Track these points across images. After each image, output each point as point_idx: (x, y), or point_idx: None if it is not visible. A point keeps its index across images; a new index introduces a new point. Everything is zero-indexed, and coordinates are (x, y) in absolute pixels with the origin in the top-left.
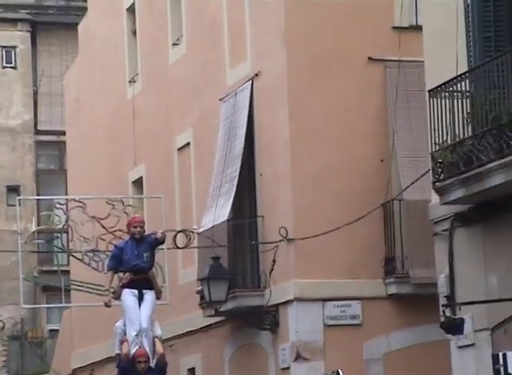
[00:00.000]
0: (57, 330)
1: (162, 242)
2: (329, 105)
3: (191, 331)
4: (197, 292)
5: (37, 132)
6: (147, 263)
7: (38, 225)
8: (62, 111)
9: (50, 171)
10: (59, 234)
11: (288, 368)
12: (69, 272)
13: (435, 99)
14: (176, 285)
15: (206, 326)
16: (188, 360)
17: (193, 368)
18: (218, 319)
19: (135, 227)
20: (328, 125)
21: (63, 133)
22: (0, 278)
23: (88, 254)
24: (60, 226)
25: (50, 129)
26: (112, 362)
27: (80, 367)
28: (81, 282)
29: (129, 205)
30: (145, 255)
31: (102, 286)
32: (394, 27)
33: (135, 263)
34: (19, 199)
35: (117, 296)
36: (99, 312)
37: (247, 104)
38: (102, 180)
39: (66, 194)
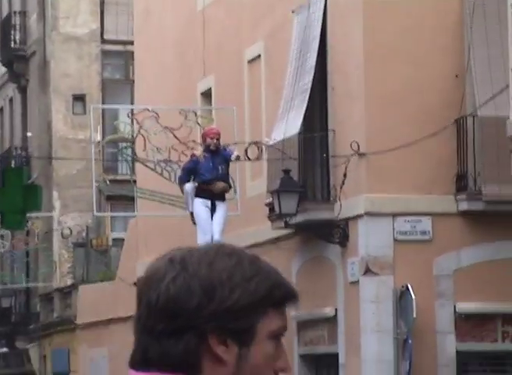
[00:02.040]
0: (121, 239)
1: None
2: (405, 20)
3: (259, 243)
4: (267, 204)
5: (104, 41)
6: (221, 176)
7: (103, 134)
8: (128, 20)
9: (115, 81)
10: (130, 144)
11: (357, 282)
12: (133, 181)
13: None
14: (244, 197)
15: (275, 239)
16: None
17: None
18: (286, 231)
19: (211, 138)
20: (403, 41)
21: (130, 42)
22: (65, 186)
23: (160, 164)
24: (131, 135)
25: (116, 38)
26: None
27: None
28: (151, 191)
29: (202, 116)
30: (220, 167)
31: (172, 195)
32: None
33: (210, 176)
34: (92, 107)
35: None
36: (165, 223)
37: (321, 17)
38: (170, 91)
39: (132, 104)
